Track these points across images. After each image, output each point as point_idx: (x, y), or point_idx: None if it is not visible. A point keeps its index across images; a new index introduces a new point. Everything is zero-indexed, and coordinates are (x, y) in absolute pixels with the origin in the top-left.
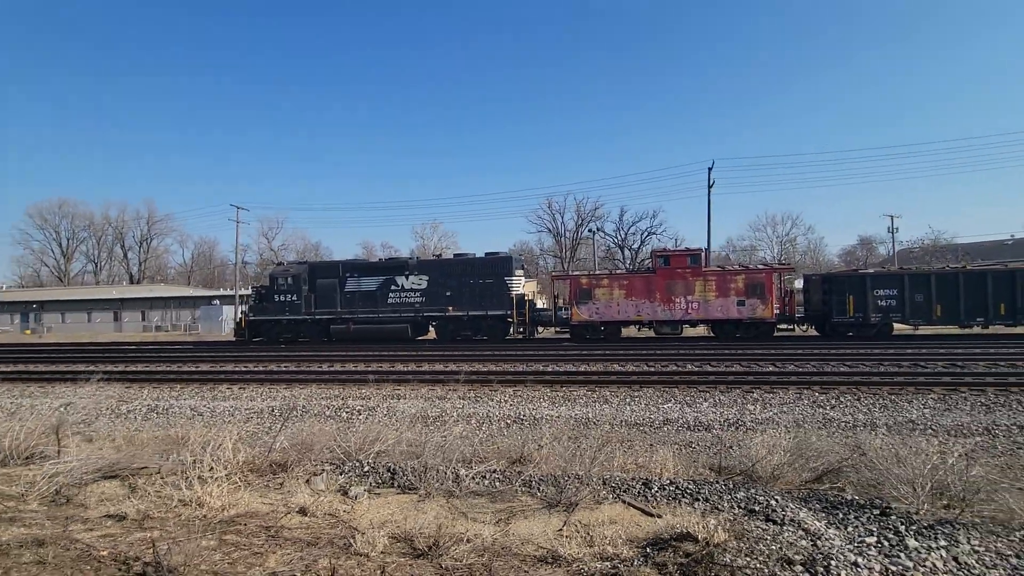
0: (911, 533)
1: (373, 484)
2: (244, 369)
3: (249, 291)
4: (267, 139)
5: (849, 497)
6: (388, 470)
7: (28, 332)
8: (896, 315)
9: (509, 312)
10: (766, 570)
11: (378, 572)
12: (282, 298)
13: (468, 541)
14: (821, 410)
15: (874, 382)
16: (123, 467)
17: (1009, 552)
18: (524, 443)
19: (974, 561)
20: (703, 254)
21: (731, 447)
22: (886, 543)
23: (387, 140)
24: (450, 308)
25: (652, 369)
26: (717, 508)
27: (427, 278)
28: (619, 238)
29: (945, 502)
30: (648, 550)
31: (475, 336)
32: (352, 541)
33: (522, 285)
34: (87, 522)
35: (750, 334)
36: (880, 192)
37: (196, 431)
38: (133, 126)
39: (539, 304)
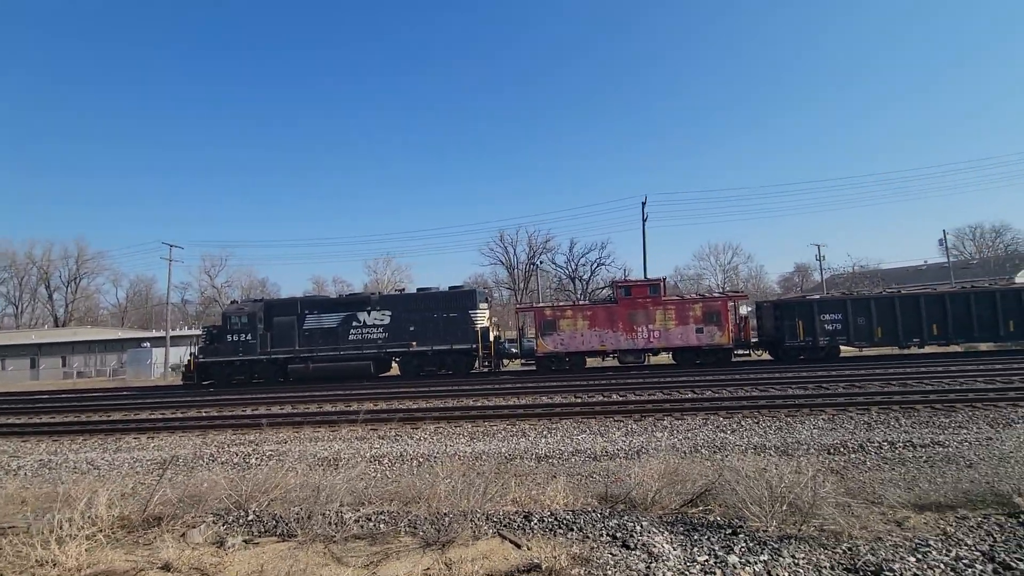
0: (740, 550)
1: (256, 533)
2: (159, 416)
3: (188, 331)
4: (207, 175)
5: (712, 519)
6: (272, 518)
7: None
8: (842, 338)
9: (474, 346)
10: None
11: None
12: (235, 338)
13: None
14: (722, 434)
15: (776, 405)
16: None
17: (827, 564)
18: (424, 482)
19: (787, 573)
20: (662, 284)
21: (623, 476)
22: (712, 560)
23: (335, 175)
24: (414, 343)
25: (579, 400)
26: (587, 537)
27: (390, 313)
28: (570, 269)
29: (796, 519)
30: None
31: (440, 371)
32: None
33: (486, 319)
34: None
35: (709, 360)
36: (813, 221)
37: (83, 486)
38: (62, 163)
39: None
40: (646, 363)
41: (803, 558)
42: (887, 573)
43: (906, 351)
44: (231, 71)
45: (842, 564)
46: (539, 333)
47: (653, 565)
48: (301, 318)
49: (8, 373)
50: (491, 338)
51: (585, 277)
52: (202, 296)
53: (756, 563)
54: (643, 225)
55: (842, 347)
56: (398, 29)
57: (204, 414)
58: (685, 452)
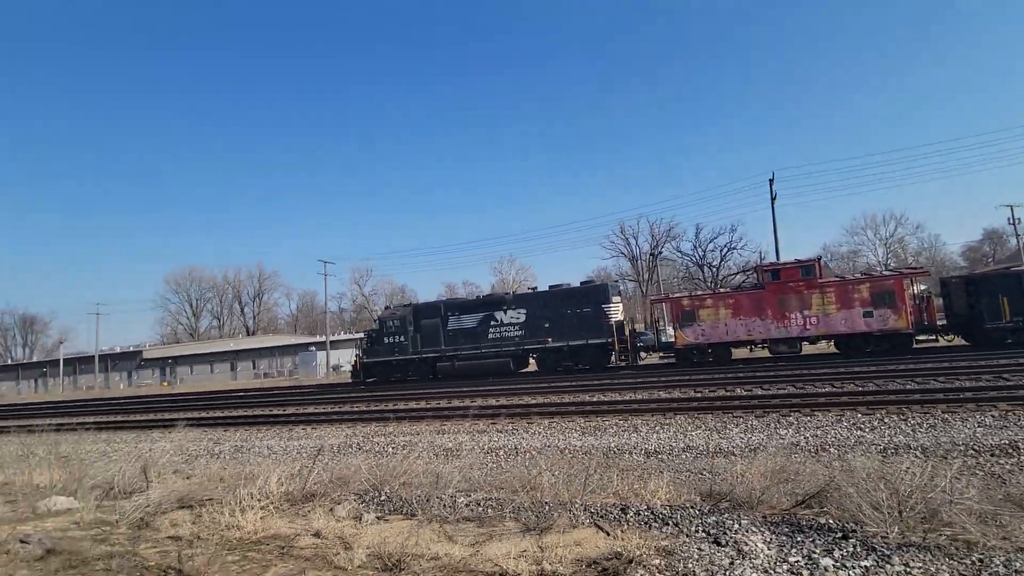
0: (841, 554)
1: (387, 511)
2: (320, 411)
3: (345, 335)
4: (352, 196)
5: (823, 521)
6: (400, 499)
7: (165, 384)
8: None
9: (609, 340)
10: None
11: None
12: (391, 340)
13: (436, 559)
14: (858, 432)
15: (933, 400)
16: (195, 498)
17: (946, 573)
18: (532, 473)
19: None
20: (816, 264)
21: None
22: (803, 561)
23: (458, 179)
24: (549, 339)
25: (698, 395)
26: (683, 532)
27: (525, 311)
28: (698, 256)
29: (924, 527)
30: (583, 567)
31: (576, 366)
32: (336, 558)
33: (620, 312)
34: (153, 541)
35: (883, 348)
36: (997, 182)
37: (261, 468)
38: (234, 199)
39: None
40: (800, 352)
41: (918, 567)
42: None
43: None
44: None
45: (964, 575)
46: (677, 324)
47: (738, 561)
48: (445, 320)
49: (216, 375)
50: (626, 331)
51: (715, 263)
52: (354, 304)
53: (855, 567)
54: (772, 205)
55: None
56: (528, 19)
57: (354, 408)
58: (810, 451)
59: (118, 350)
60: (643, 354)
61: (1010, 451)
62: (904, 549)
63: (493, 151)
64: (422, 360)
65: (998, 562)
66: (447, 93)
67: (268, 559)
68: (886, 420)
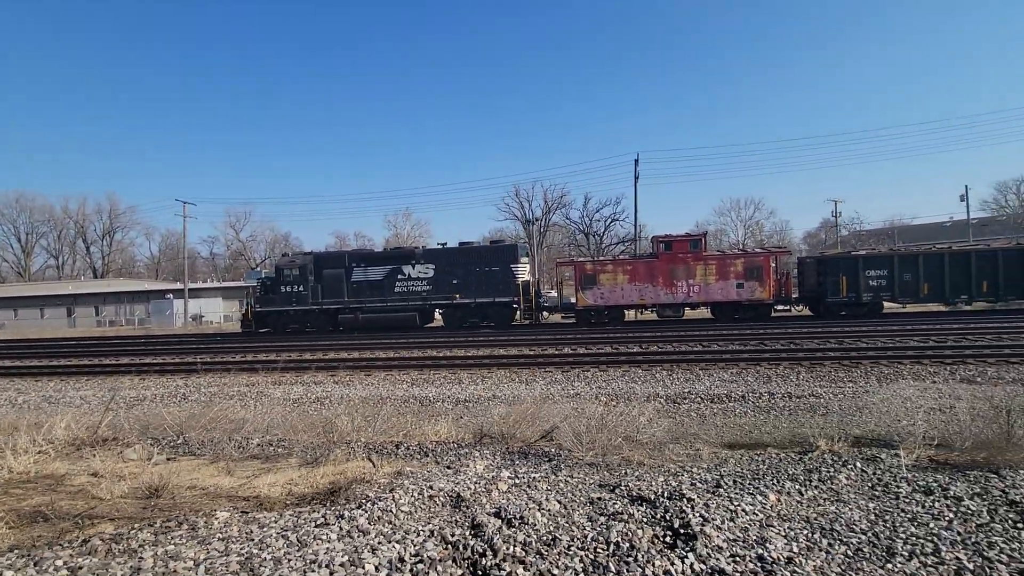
0: (529, 466)
1: (180, 453)
2: (159, 361)
3: (215, 284)
4: (232, 131)
5: (547, 449)
6: (200, 443)
7: None
8: (886, 294)
9: (516, 299)
10: (401, 496)
11: (105, 508)
12: (288, 289)
13: (197, 488)
14: (631, 385)
15: (710, 359)
16: None
17: (590, 479)
18: (338, 417)
19: (551, 484)
20: (703, 239)
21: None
22: (500, 472)
23: (355, 130)
24: (457, 296)
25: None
26: (435, 461)
27: (433, 267)
28: (584, 225)
29: (615, 453)
30: (323, 486)
31: (482, 323)
32: (98, 491)
33: (527, 272)
34: None
35: (748, 315)
36: (841, 176)
37: (57, 416)
38: (92, 119)
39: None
40: (683, 316)
41: (577, 474)
42: (622, 487)
43: (952, 307)
44: (251, 26)
45: (599, 479)
46: (579, 287)
47: (456, 475)
48: (349, 271)
49: (46, 321)
50: (531, 292)
51: (599, 232)
52: (229, 249)
53: (536, 473)
54: (635, 184)
55: (886, 303)
56: None
57: (197, 359)
58: (587, 398)
59: None
60: (545, 314)
61: (725, 399)
62: (580, 466)
63: (389, 109)
64: (322, 311)
65: (634, 475)
66: (348, 56)
67: (30, 494)
68: (657, 375)
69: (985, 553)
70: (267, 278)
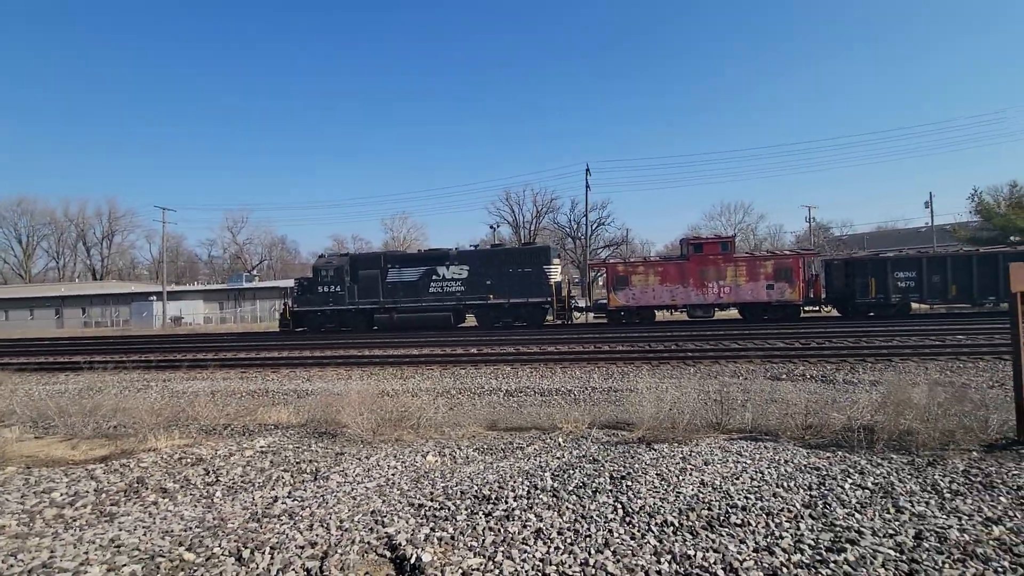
0: (325, 443)
1: (49, 434)
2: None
3: (199, 287)
4: (227, 136)
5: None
6: (67, 426)
7: None
8: (914, 295)
9: (549, 299)
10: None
11: None
12: (325, 289)
13: (29, 456)
14: (547, 382)
15: (635, 358)
16: None
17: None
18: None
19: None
20: (732, 241)
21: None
22: (279, 440)
23: (350, 137)
24: (491, 296)
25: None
26: (243, 435)
27: (467, 267)
28: (571, 228)
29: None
30: (117, 451)
31: (514, 323)
32: None
33: (559, 273)
34: None
35: (777, 316)
36: (829, 181)
37: None
38: (92, 122)
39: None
40: (713, 317)
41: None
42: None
43: (980, 308)
44: (256, 27)
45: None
46: (611, 288)
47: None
48: (384, 271)
49: (35, 322)
50: (564, 292)
51: (583, 237)
52: (226, 252)
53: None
54: (586, 193)
55: (913, 304)
56: None
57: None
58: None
59: None
60: (577, 314)
61: (559, 392)
62: (372, 445)
63: (398, 113)
64: (359, 311)
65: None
66: (350, 58)
67: None
68: (579, 373)
69: None
70: (304, 279)
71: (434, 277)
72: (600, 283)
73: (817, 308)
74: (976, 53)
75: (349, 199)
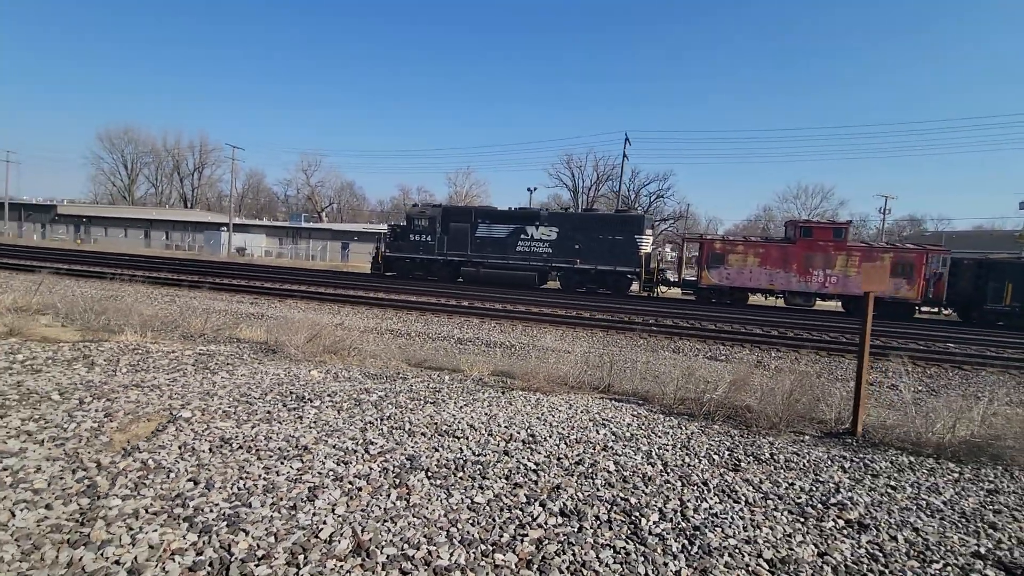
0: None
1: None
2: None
3: (257, 221)
4: (309, 84)
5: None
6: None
7: (79, 242)
8: None
9: (637, 269)
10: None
11: None
12: (417, 238)
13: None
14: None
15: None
16: None
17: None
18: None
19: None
20: (847, 228)
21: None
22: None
23: (418, 89)
24: (578, 260)
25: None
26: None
27: (557, 230)
28: (630, 199)
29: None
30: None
31: (598, 289)
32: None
33: (650, 244)
34: None
35: (888, 312)
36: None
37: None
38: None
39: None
40: (814, 307)
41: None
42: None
43: None
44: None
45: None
46: (705, 264)
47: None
48: (474, 226)
49: (126, 240)
50: (653, 264)
51: (645, 207)
52: (299, 194)
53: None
54: (623, 162)
55: None
56: None
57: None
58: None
59: (32, 201)
60: (663, 288)
61: None
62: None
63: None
64: (447, 262)
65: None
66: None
67: None
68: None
69: None
70: (397, 225)
71: (522, 236)
72: (689, 259)
73: (936, 310)
74: None
75: (416, 149)
